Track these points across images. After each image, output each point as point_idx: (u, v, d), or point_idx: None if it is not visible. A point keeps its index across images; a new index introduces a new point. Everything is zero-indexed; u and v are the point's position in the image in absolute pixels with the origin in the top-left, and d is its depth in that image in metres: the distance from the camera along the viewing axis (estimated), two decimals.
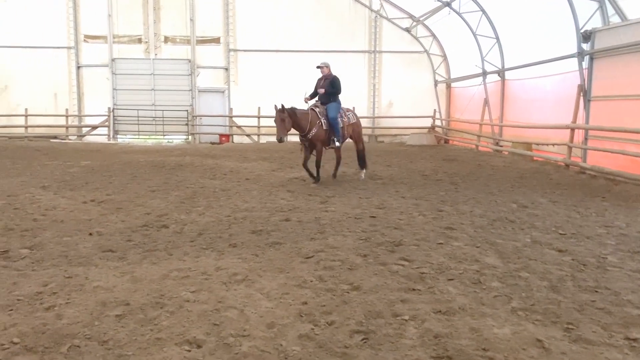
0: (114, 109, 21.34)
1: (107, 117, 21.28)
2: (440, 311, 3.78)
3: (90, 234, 6.05)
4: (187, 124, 21.72)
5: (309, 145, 9.93)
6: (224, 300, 3.96)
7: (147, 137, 21.80)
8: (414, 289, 4.23)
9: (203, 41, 21.58)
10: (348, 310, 3.79)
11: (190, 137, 21.84)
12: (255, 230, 6.29)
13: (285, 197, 8.52)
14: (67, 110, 21.33)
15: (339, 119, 10.10)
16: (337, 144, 10.05)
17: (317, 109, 10.00)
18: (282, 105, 9.45)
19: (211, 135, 21.77)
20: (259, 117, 21.12)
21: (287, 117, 9.44)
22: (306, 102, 10.15)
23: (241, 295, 4.09)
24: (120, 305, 3.84)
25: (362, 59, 21.97)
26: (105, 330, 3.41)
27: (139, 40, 21.41)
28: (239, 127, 21.88)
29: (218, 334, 3.39)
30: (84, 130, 21.75)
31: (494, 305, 3.92)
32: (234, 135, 21.83)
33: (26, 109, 20.89)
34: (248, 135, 21.87)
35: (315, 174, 10.00)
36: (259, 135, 21.54)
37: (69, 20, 20.99)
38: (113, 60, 21.24)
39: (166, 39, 21.52)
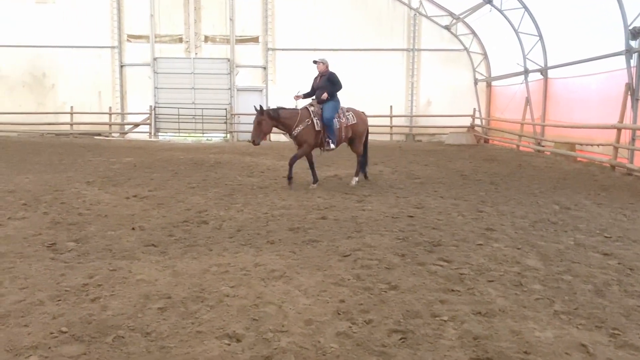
0: (155, 107, 21.83)
1: (148, 115, 21.79)
2: (480, 313, 3.72)
3: (133, 229, 6.21)
4: (225, 122, 22.04)
5: (297, 144, 9.49)
6: (263, 296, 4.01)
7: (187, 134, 22.22)
8: (453, 290, 4.18)
9: (242, 40, 21.85)
10: (386, 309, 3.77)
11: (228, 135, 22.15)
12: (293, 227, 6.33)
13: (322, 196, 8.54)
14: (110, 108, 21.96)
15: (336, 120, 9.49)
16: (331, 145, 9.41)
17: (311, 108, 9.44)
18: (260, 107, 9.11)
19: (249, 133, 21.94)
20: None
21: (265, 120, 9.01)
22: (295, 100, 9.75)
23: (279, 291, 4.13)
24: (163, 298, 3.93)
25: (400, 58, 21.80)
26: (148, 322, 3.50)
27: (180, 40, 21.85)
28: None
29: (257, 328, 3.43)
30: (126, 127, 22.34)
31: (536, 308, 3.84)
32: (271, 134, 21.99)
33: (72, 107, 21.61)
34: (285, 134, 22.00)
35: (291, 175, 9.40)
36: None
37: (112, 21, 21.61)
38: (155, 59, 21.73)
39: (206, 39, 21.89)
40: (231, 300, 3.91)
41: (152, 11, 21.52)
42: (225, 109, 21.88)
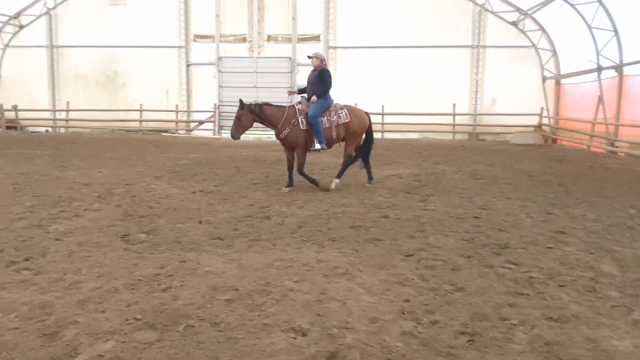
0: (219, 105, 22.40)
1: (213, 113, 22.38)
2: (551, 318, 3.59)
3: (200, 222, 6.40)
4: None
5: (285, 146, 9.00)
6: (326, 292, 4.03)
7: (249, 132, 22.60)
8: (522, 294, 4.04)
9: (304, 39, 22.03)
10: (452, 310, 3.70)
11: None
12: (354, 225, 6.32)
13: (383, 194, 8.48)
14: (177, 106, 22.72)
15: (324, 119, 8.81)
16: (317, 146, 8.80)
17: (298, 106, 8.89)
18: (240, 101, 8.72)
19: None
20: None
21: (245, 114, 8.65)
22: (289, 95, 9.35)
23: (342, 288, 4.14)
24: (230, 290, 4.03)
25: (464, 54, 21.29)
26: (217, 313, 3.60)
27: (244, 39, 22.30)
28: None
29: (322, 324, 3.45)
30: (192, 125, 23.05)
31: (612, 315, 3.66)
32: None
33: (141, 105, 22.53)
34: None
35: (312, 179, 8.94)
36: None
37: (180, 21, 22.33)
38: (219, 58, 22.29)
39: (269, 38, 22.22)
40: (295, 295, 3.96)
41: (218, 11, 22.07)
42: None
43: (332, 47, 21.85)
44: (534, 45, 20.82)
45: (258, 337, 3.26)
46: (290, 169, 8.96)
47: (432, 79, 21.08)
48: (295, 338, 3.26)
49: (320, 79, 8.89)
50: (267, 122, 8.89)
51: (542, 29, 20.43)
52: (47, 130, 23.14)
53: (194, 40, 22.54)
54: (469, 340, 3.25)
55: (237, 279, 4.29)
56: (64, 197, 7.88)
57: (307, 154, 9.07)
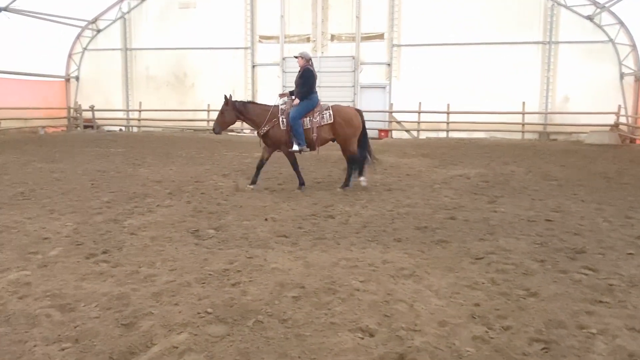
0: (282, 105, 22.69)
1: None
2: (634, 328, 3.38)
3: (266, 220, 6.51)
4: None
5: (266, 144, 8.98)
6: (393, 293, 3.99)
7: None
8: (601, 301, 3.83)
9: (367, 38, 21.92)
10: (525, 316, 3.56)
11: None
12: (420, 226, 6.22)
13: (449, 195, 8.30)
14: None
15: (306, 120, 8.67)
16: (295, 147, 8.65)
17: (282, 106, 8.86)
18: (225, 97, 8.72)
19: (370, 130, 22.09)
20: (419, 113, 20.91)
21: (228, 110, 8.65)
22: (280, 98, 9.16)
23: (410, 290, 4.08)
24: (296, 287, 4.07)
25: (534, 51, 20.46)
26: (284, 309, 3.64)
27: (308, 39, 22.48)
28: (398, 122, 21.86)
29: (389, 325, 3.42)
30: None
31: None
32: (392, 131, 21.88)
33: (208, 105, 23.19)
34: (407, 131, 21.74)
35: (301, 178, 8.95)
36: (418, 130, 21.30)
37: (246, 23, 22.81)
38: (284, 59, 22.59)
39: (332, 37, 22.29)
40: (362, 295, 3.94)
41: (283, 12, 22.37)
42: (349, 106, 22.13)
43: (396, 45, 21.61)
44: (611, 40, 19.71)
45: (325, 335, 3.27)
46: (259, 167, 9.08)
47: (500, 76, 20.40)
48: (362, 338, 3.24)
49: (302, 80, 8.75)
50: (250, 120, 8.89)
51: (621, 22, 19.30)
52: (120, 129, 24.30)
53: (260, 41, 22.96)
54: (543, 348, 3.12)
55: (303, 277, 4.32)
56: (137, 194, 8.24)
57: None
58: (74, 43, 24.25)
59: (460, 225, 6.24)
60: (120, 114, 24.51)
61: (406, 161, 13.04)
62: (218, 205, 7.46)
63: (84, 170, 10.89)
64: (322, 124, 8.76)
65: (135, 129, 24.32)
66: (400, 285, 4.17)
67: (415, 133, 21.51)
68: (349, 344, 3.15)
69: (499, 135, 20.46)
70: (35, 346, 3.06)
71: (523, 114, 20.51)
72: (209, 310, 3.61)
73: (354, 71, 22.07)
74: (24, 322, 3.40)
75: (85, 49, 24.48)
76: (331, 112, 8.83)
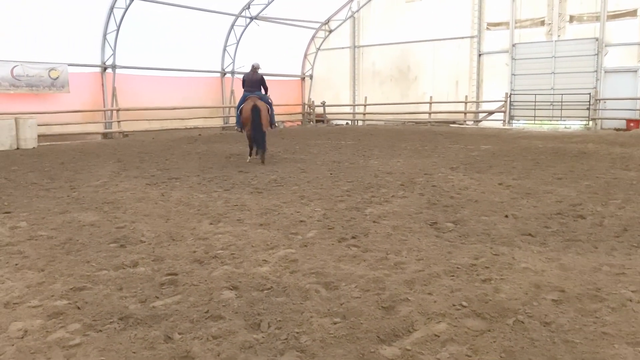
0: (511, 94, 21.50)
1: (503, 102, 21.62)
2: None
3: (506, 216, 6.23)
4: (588, 109, 20.05)
5: None
6: None
7: (543, 122, 21.14)
8: None
9: (615, 16, 19.36)
10: None
11: (590, 122, 20.13)
12: None
13: None
14: (466, 97, 22.67)
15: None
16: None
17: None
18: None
19: (616, 120, 19.55)
20: None
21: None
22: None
23: None
24: (555, 290, 3.81)
25: None
26: (545, 312, 3.44)
27: (542, 23, 20.82)
28: None
29: None
30: (480, 115, 22.71)
31: None
32: None
33: (430, 97, 23.22)
34: None
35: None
36: None
37: (473, 11, 22.12)
38: (513, 45, 21.33)
39: (571, 18, 20.25)
40: (636, 306, 3.51)
41: None
42: (589, 93, 19.88)
43: None
44: None
45: (598, 345, 2.99)
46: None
47: None
48: None
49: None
50: None
51: None
52: (347, 123, 25.86)
53: (487, 28, 22.08)
54: None
55: (561, 280, 4.03)
56: (372, 184, 8.65)
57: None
58: (309, 44, 26.56)
59: None
60: (347, 109, 26.07)
61: None
62: (451, 198, 7.40)
63: (322, 161, 11.85)
64: None
65: (360, 123, 25.63)
66: None
67: None
68: (629, 358, 2.84)
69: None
70: (311, 317, 3.44)
71: None
72: (464, 303, 3.60)
73: (596, 54, 19.75)
74: (297, 294, 3.85)
75: (318, 49, 26.60)
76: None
